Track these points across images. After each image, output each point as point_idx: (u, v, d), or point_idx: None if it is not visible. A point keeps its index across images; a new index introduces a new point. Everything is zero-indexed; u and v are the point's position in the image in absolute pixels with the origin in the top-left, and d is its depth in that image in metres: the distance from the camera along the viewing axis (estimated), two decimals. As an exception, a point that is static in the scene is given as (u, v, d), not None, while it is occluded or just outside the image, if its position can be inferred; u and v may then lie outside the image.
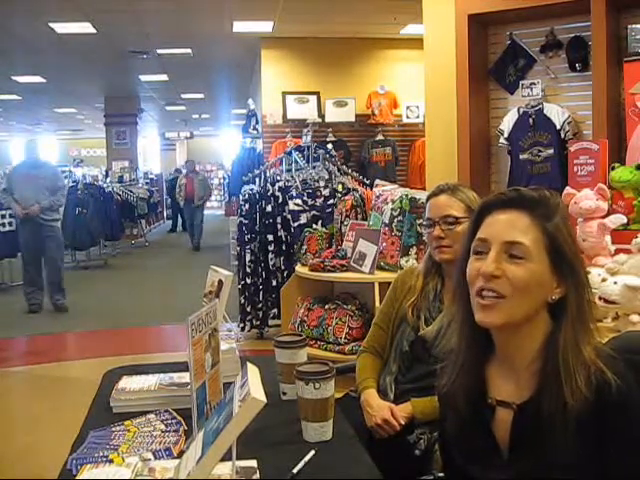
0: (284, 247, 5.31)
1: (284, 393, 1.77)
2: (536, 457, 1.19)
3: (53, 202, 6.83)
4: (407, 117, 8.47)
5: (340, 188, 5.26)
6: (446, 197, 2.07)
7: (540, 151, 4.11)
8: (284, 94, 8.30)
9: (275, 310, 5.35)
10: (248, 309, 5.44)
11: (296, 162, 5.66)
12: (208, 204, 16.14)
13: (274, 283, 5.31)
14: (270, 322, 5.47)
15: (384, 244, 3.69)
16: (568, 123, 4.01)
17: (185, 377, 1.79)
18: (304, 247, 4.37)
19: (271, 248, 5.32)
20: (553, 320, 1.23)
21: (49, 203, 6.77)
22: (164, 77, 11.79)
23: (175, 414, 1.68)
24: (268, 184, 5.41)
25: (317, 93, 8.34)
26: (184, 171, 13.84)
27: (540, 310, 1.23)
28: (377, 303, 3.55)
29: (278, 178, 5.54)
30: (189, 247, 12.68)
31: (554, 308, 1.23)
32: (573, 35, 4.08)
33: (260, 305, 5.42)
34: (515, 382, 1.25)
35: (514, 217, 1.23)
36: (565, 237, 1.23)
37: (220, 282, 1.91)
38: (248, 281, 5.41)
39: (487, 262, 1.21)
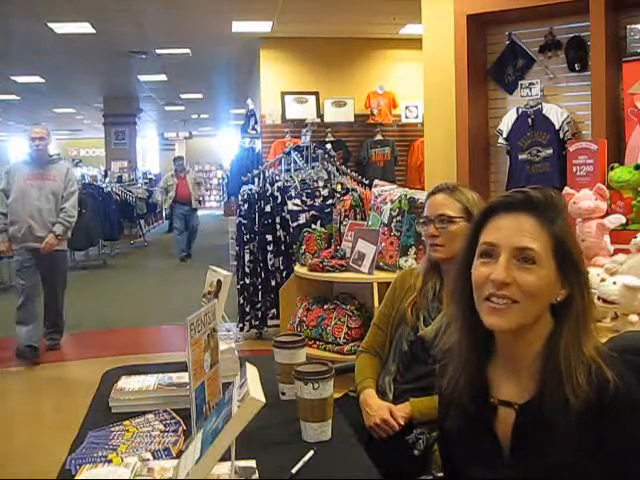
0: (283, 247, 5.31)
1: (283, 393, 1.77)
2: (537, 457, 1.19)
3: (64, 221, 5.13)
4: (406, 117, 8.48)
5: (339, 188, 5.27)
6: (443, 196, 2.09)
7: (539, 151, 4.11)
8: (283, 94, 8.30)
9: (274, 310, 5.35)
10: (247, 309, 5.44)
11: (295, 162, 5.66)
12: (207, 204, 15.94)
13: (273, 283, 5.31)
14: (269, 322, 5.47)
15: (383, 244, 3.69)
16: (567, 123, 4.02)
17: (184, 377, 1.79)
18: (303, 247, 4.37)
19: (270, 248, 5.32)
20: (554, 320, 1.23)
21: (63, 228, 5.13)
22: (163, 77, 11.78)
23: (174, 414, 1.68)
24: (267, 184, 5.41)
25: (316, 93, 8.33)
26: (173, 170, 11.58)
27: (544, 311, 1.23)
28: (376, 303, 3.55)
29: (277, 178, 5.54)
30: (178, 257, 10.93)
31: (556, 308, 1.23)
32: (572, 35, 4.09)
33: (259, 305, 5.42)
34: (517, 382, 1.25)
35: (521, 220, 1.22)
36: (571, 238, 1.24)
37: (219, 282, 1.91)
38: (247, 281, 5.41)
39: (498, 269, 1.20)
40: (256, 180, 5.66)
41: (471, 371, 1.29)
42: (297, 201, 5.19)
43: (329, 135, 8.12)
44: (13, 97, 13.57)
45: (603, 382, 1.16)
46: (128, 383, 1.84)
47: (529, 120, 4.13)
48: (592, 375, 1.17)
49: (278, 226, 5.30)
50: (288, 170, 5.66)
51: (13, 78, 11.21)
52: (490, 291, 1.20)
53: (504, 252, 1.20)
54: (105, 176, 13.98)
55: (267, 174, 5.65)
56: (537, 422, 1.20)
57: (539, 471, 1.19)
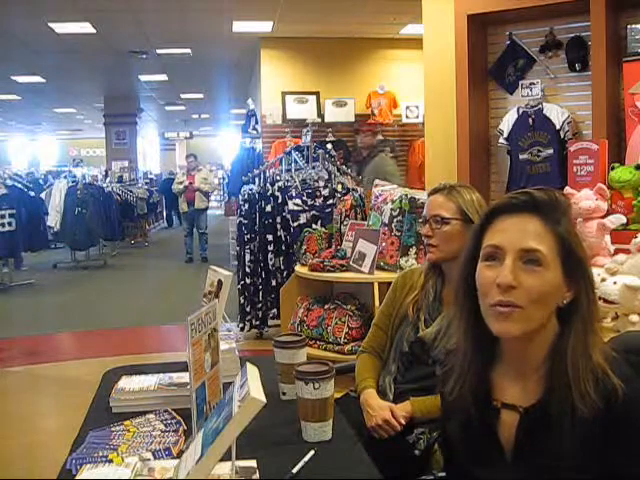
0: (284, 247, 5.30)
1: (284, 393, 1.77)
2: (540, 460, 1.18)
3: None
4: (406, 117, 8.48)
5: (339, 188, 5.26)
6: (440, 196, 2.08)
7: (540, 151, 4.11)
8: (284, 94, 8.30)
9: (275, 310, 5.35)
10: (248, 309, 5.43)
11: (295, 162, 5.65)
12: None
13: (273, 283, 5.31)
14: (270, 322, 5.47)
15: (383, 244, 3.69)
16: (568, 123, 4.02)
17: (184, 377, 1.79)
18: (303, 247, 4.37)
19: (271, 248, 5.31)
20: (560, 323, 1.21)
21: None
22: (164, 77, 11.79)
23: (174, 414, 1.68)
24: (267, 184, 5.40)
25: (317, 93, 8.34)
26: (184, 169, 11.05)
27: (551, 315, 1.21)
28: (377, 303, 3.55)
29: (277, 178, 5.54)
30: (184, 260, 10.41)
31: (561, 311, 1.21)
32: (572, 35, 4.09)
33: (260, 305, 5.42)
34: (522, 385, 1.24)
35: (526, 222, 1.19)
36: (576, 239, 1.22)
37: (220, 282, 1.91)
38: (248, 281, 5.40)
39: (504, 272, 1.17)
40: (257, 180, 5.66)
41: (474, 374, 1.27)
42: (298, 201, 5.19)
43: (330, 135, 8.11)
44: (14, 97, 13.58)
45: (609, 388, 1.14)
46: (128, 383, 1.84)
47: (530, 120, 4.13)
48: (599, 382, 1.15)
49: (279, 226, 5.30)
50: (289, 170, 5.66)
51: (14, 78, 11.21)
52: (497, 298, 1.17)
53: (509, 254, 1.18)
54: (106, 176, 13.98)
55: (268, 174, 5.65)
56: (541, 425, 1.19)
57: (541, 474, 1.18)
